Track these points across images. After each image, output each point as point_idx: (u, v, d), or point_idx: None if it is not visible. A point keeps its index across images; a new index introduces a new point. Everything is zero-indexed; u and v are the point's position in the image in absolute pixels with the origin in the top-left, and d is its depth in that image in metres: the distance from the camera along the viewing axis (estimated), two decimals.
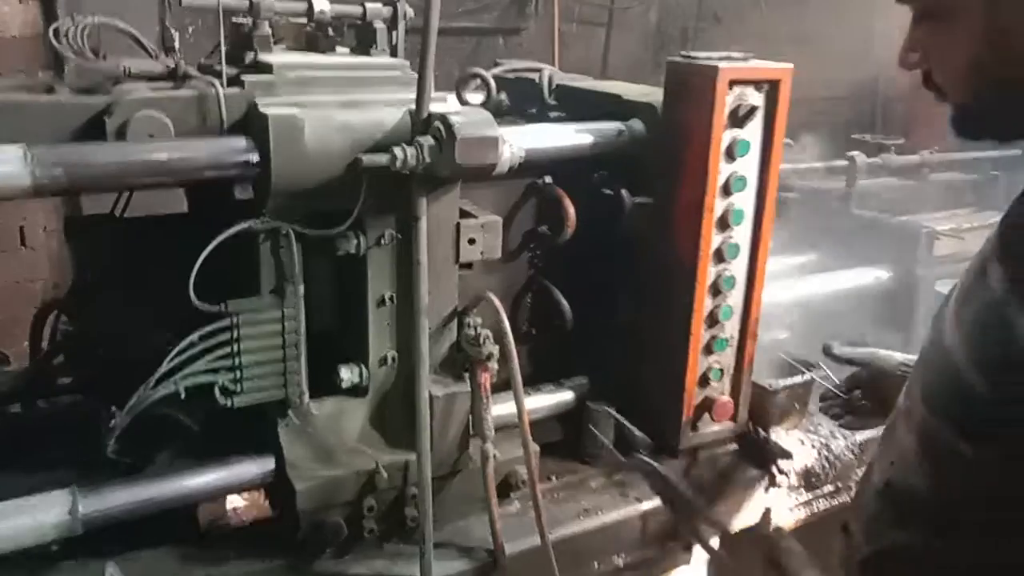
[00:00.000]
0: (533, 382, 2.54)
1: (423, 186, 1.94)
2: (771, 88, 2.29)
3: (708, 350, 2.44)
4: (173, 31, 2.20)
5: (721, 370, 2.51)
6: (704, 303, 2.39)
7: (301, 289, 2.02)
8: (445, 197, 2.05)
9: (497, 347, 2.09)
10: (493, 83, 2.38)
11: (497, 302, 2.11)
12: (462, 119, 1.86)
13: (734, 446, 2.57)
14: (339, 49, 2.33)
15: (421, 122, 1.91)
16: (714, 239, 2.33)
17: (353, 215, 1.95)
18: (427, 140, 1.86)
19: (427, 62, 1.79)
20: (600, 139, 2.41)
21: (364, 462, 2.15)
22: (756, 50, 2.26)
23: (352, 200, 1.95)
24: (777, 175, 2.39)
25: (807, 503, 2.54)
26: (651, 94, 2.46)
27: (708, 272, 2.36)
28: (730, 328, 2.49)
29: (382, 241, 2.09)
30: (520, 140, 2.24)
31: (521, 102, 2.84)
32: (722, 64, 2.19)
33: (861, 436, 2.68)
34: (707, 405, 2.47)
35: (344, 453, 2.16)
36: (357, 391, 2.23)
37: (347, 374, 2.19)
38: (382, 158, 1.87)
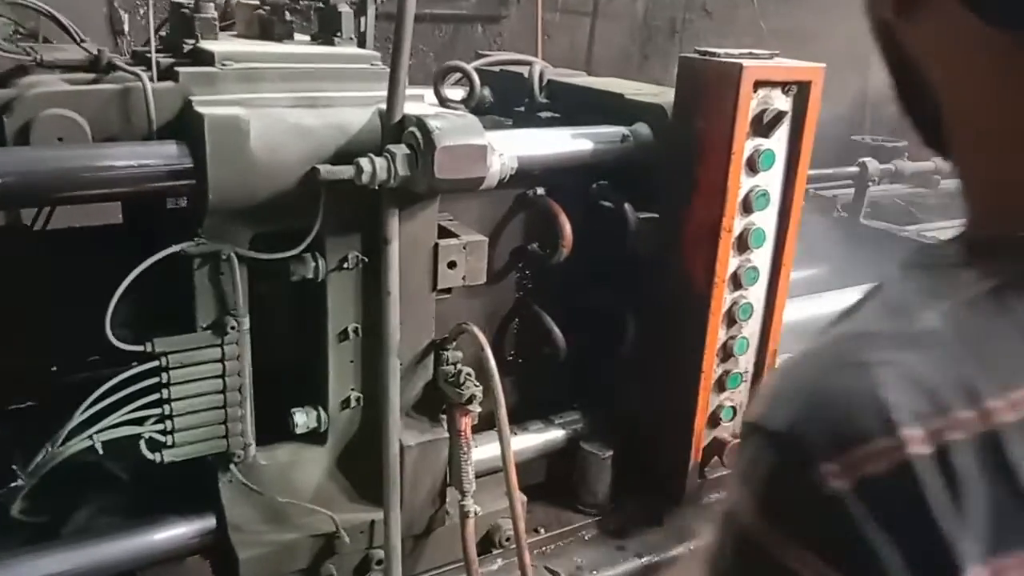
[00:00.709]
0: (518, 417, 2.20)
1: (395, 202, 1.65)
2: (800, 91, 2.01)
3: (720, 386, 2.15)
4: (122, 12, 1.99)
5: (734, 408, 2.21)
6: (717, 334, 2.09)
7: (246, 323, 1.73)
8: (422, 214, 1.76)
9: (480, 387, 1.81)
10: (476, 78, 2.08)
11: (480, 335, 1.82)
12: (443, 124, 1.56)
13: None
14: (298, 37, 2.02)
15: (393, 126, 1.62)
16: (731, 262, 2.03)
17: (310, 236, 1.65)
18: (400, 149, 1.57)
19: (401, 54, 1.50)
20: (601, 145, 2.10)
21: (321, 523, 1.85)
22: (744, 46, 2.01)
23: (308, 218, 1.65)
24: (803, 191, 2.13)
25: None
26: (660, 94, 2.18)
27: (723, 299, 2.06)
28: (745, 362, 2.19)
29: (345, 265, 1.79)
30: (510, 147, 1.93)
31: (507, 99, 2.54)
32: (746, 62, 1.91)
33: None
34: (717, 448, 2.16)
35: (298, 512, 1.84)
36: (315, 438, 1.92)
37: (303, 418, 1.89)
38: (345, 171, 1.58)
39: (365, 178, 1.57)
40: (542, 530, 2.18)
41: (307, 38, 2.02)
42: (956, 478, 0.59)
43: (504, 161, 1.75)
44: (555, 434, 2.27)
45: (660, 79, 2.41)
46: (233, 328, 1.71)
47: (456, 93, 2.14)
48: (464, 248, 1.81)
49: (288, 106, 1.71)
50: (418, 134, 1.59)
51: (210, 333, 1.71)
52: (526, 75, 2.45)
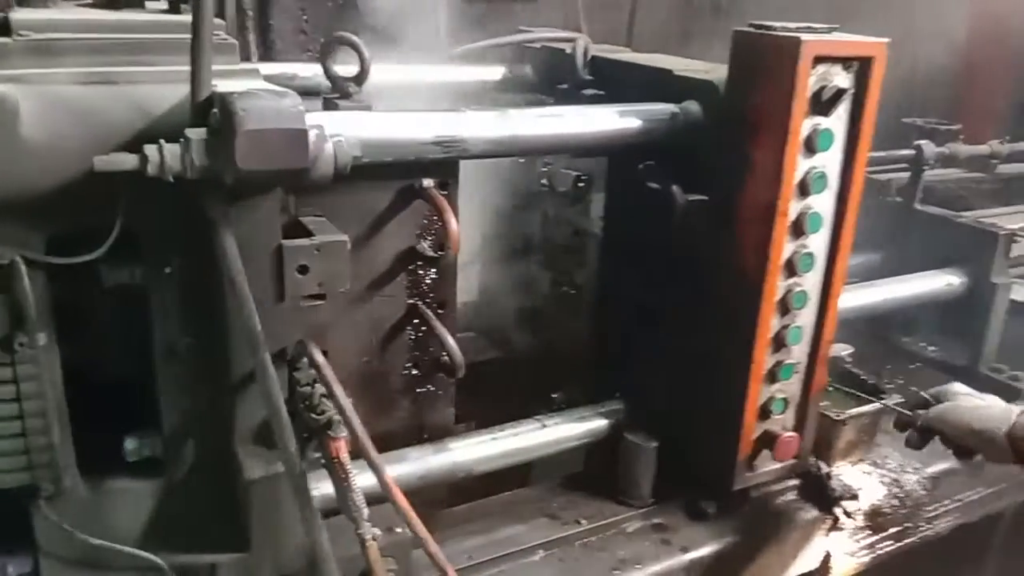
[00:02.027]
0: (531, 411, 2.12)
1: (217, 196, 1.30)
2: (861, 67, 1.88)
3: (771, 378, 2.04)
4: None
5: (785, 400, 2.04)
6: (770, 323, 1.96)
7: (42, 339, 1.40)
8: (258, 211, 1.41)
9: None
10: (366, 53, 1.80)
11: (315, 350, 1.52)
12: (250, 103, 1.24)
13: (793, 482, 2.26)
14: (151, 5, 1.70)
15: (198, 106, 1.27)
16: (785, 248, 1.94)
17: (111, 238, 1.38)
18: (197, 134, 1.25)
19: (203, 18, 1.21)
20: (648, 124, 1.97)
21: (150, 568, 1.55)
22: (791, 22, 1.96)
23: (110, 215, 1.32)
24: (863, 173, 1.95)
25: (871, 546, 2.29)
26: (711, 70, 2.02)
27: (776, 287, 1.95)
28: (798, 352, 2.03)
29: (168, 269, 1.47)
30: (543, 125, 1.79)
31: (549, 76, 2.33)
32: (805, 36, 1.79)
33: (933, 469, 2.43)
34: (767, 440, 2.07)
35: (123, 556, 1.54)
36: (150, 468, 1.60)
37: (134, 445, 1.58)
38: (127, 160, 1.26)
39: (152, 169, 1.25)
40: (584, 522, 2.08)
41: (163, 5, 1.69)
42: None
43: (343, 148, 1.43)
44: (598, 423, 2.16)
45: (701, 58, 2.38)
46: (23, 345, 1.41)
47: (348, 71, 1.86)
48: (317, 250, 1.48)
49: (82, 84, 1.34)
50: (220, 115, 1.25)
51: None
52: (568, 51, 2.27)
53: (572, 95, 2.16)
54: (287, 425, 1.48)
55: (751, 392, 1.90)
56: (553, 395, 2.28)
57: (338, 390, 1.48)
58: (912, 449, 2.03)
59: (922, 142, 3.05)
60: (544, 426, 2.00)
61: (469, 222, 2.03)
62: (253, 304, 1.41)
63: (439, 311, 1.83)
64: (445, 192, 1.70)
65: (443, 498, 1.96)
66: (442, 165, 1.69)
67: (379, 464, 1.47)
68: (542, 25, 2.53)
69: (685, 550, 1.97)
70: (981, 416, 1.82)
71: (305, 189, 1.47)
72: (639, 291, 2.09)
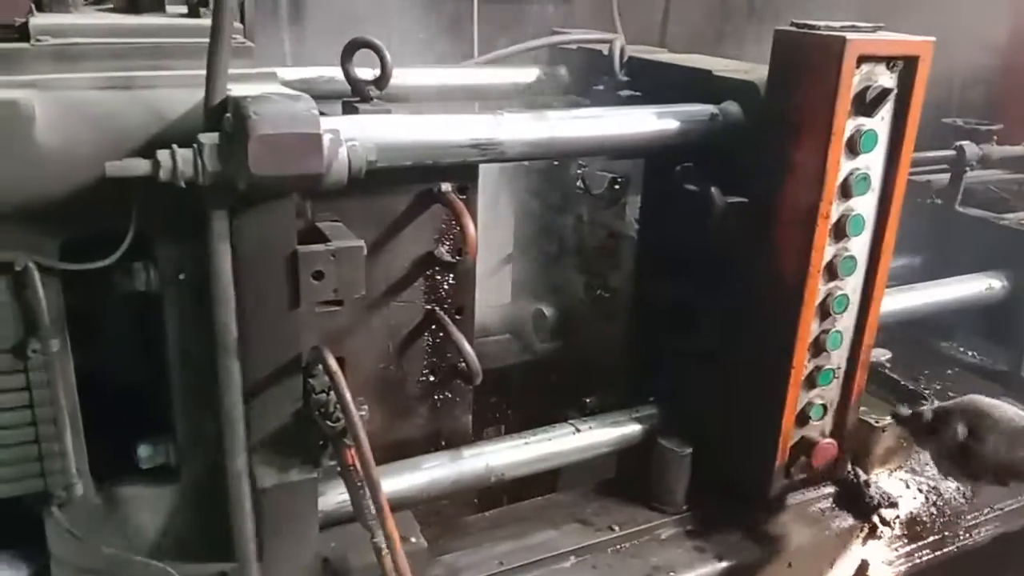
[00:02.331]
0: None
1: (220, 202, 1.31)
2: (906, 67, 1.85)
3: (811, 383, 2.01)
4: None
5: (824, 406, 2.01)
6: (810, 327, 1.94)
7: (55, 345, 1.39)
8: (273, 215, 1.40)
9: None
10: (388, 56, 1.81)
11: (329, 357, 1.51)
12: (264, 108, 1.23)
13: (830, 489, 2.24)
14: (171, 8, 1.70)
15: (212, 111, 1.26)
16: (827, 251, 1.91)
17: (125, 243, 1.38)
18: (210, 139, 1.24)
19: (222, 21, 1.18)
20: (687, 125, 1.95)
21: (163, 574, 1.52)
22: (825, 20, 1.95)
23: (124, 220, 1.33)
24: (906, 175, 1.92)
25: (909, 554, 2.26)
26: (752, 71, 2.01)
27: (817, 291, 1.92)
28: (838, 357, 2.00)
29: (182, 275, 1.46)
30: (581, 127, 1.79)
31: (585, 77, 2.33)
32: (849, 36, 1.77)
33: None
34: (805, 447, 2.04)
35: (134, 564, 1.55)
36: (164, 475, 1.59)
37: (147, 452, 1.58)
38: (140, 165, 1.25)
39: (165, 174, 1.24)
40: (617, 528, 2.07)
41: (183, 9, 1.70)
42: None
43: (357, 152, 1.39)
44: (631, 428, 2.14)
45: (735, 59, 2.36)
46: (36, 351, 1.40)
47: (369, 74, 1.85)
48: (333, 256, 1.48)
49: (100, 89, 1.33)
50: (233, 120, 1.24)
51: (10, 358, 1.41)
52: (605, 52, 2.26)
53: (608, 96, 2.14)
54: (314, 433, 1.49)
55: (789, 397, 1.85)
56: (586, 399, 2.27)
57: (348, 398, 1.49)
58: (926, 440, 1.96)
59: (963, 143, 2.96)
60: (577, 431, 1.97)
61: (503, 225, 1.99)
62: (233, 308, 1.43)
63: (456, 317, 1.81)
64: (464, 196, 1.69)
65: (474, 502, 1.96)
66: (461, 169, 1.68)
67: (376, 480, 1.51)
68: (576, 27, 2.49)
69: (720, 558, 1.91)
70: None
71: (321, 194, 1.47)
72: (675, 294, 2.04)
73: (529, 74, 2.09)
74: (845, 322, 1.85)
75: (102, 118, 1.36)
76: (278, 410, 1.55)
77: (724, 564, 1.96)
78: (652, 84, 2.11)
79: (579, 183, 2.26)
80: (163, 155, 1.30)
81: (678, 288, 2.03)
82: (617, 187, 2.16)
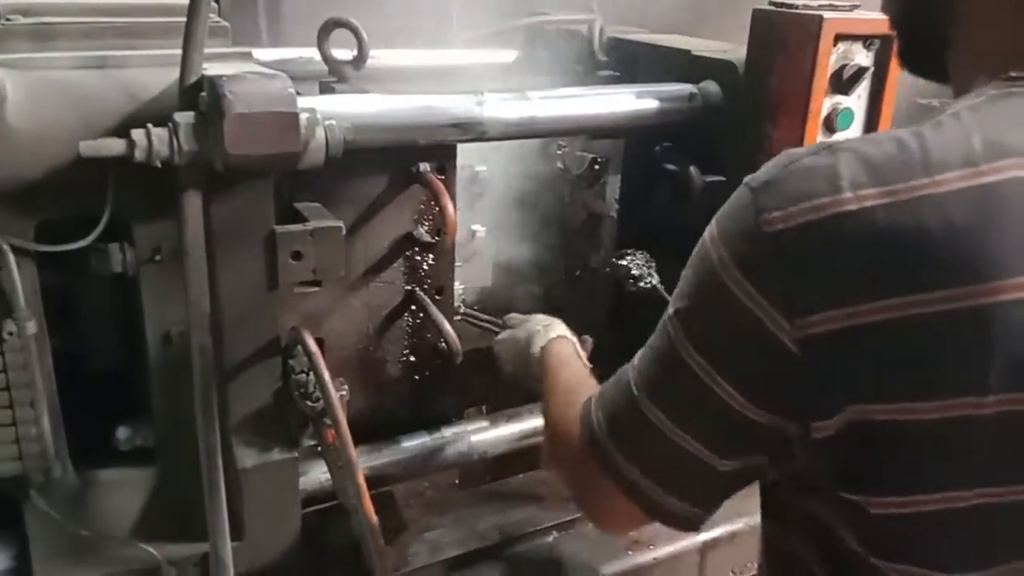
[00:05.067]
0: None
1: (197, 181, 1.29)
2: (883, 46, 1.89)
3: None
4: None
5: None
6: None
7: (32, 327, 1.37)
8: (250, 195, 1.38)
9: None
10: (364, 35, 1.80)
11: (308, 338, 1.50)
12: (239, 86, 1.21)
13: None
14: None
15: (187, 90, 1.23)
16: None
17: (101, 225, 1.36)
18: (186, 118, 1.22)
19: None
20: (666, 105, 1.96)
21: (144, 558, 1.54)
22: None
23: (100, 201, 1.30)
24: None
25: None
26: (730, 50, 2.02)
27: None
28: None
29: (158, 256, 1.43)
30: (561, 106, 1.81)
31: (563, 57, 2.33)
32: (827, 14, 1.81)
33: None
34: None
35: (118, 545, 1.54)
36: (143, 457, 1.58)
37: (126, 434, 1.58)
38: (114, 145, 1.23)
39: (140, 154, 1.22)
40: None
41: None
42: (872, 229, 0.75)
43: (334, 132, 1.38)
44: None
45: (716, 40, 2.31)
46: (12, 334, 1.38)
47: (346, 54, 1.85)
48: (311, 236, 1.46)
49: (75, 68, 1.31)
50: (208, 99, 1.20)
51: None
52: (584, 32, 2.26)
53: (587, 76, 2.15)
54: (293, 413, 1.51)
55: None
56: None
57: (327, 379, 1.49)
58: None
59: None
60: None
61: (483, 206, 1.98)
62: (207, 288, 1.41)
63: (436, 297, 1.80)
64: (442, 176, 1.67)
65: (455, 482, 1.98)
66: (439, 149, 1.66)
67: (354, 459, 1.52)
68: (556, 7, 2.47)
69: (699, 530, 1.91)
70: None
71: (298, 174, 1.45)
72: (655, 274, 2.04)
73: (508, 55, 2.06)
74: None
75: (76, 98, 1.35)
76: (257, 391, 1.55)
77: (703, 537, 2.00)
78: (631, 64, 2.12)
79: (559, 164, 2.23)
80: (138, 134, 1.28)
81: (658, 268, 1.97)
82: (597, 167, 2.16)
